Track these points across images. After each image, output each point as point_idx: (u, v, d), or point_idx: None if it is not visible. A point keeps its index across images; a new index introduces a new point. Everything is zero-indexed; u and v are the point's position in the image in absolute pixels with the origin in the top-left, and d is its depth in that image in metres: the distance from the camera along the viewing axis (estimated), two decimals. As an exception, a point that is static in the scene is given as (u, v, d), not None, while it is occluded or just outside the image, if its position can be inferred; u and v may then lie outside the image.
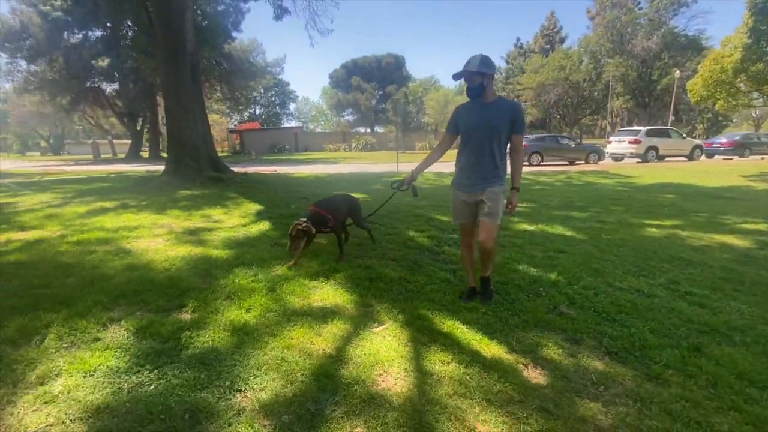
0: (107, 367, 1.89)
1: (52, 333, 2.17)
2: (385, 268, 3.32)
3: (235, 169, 11.02)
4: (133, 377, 1.82)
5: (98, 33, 29.12)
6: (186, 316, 2.43)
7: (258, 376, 1.83)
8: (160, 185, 8.04)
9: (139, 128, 33.68)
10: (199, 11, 18.77)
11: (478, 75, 2.38)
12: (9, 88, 41.39)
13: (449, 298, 2.72)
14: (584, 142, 27.48)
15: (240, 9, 22.96)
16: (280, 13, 12.55)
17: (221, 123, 48.29)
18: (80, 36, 29.28)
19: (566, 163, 17.25)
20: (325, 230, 3.36)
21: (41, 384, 1.77)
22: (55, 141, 57.20)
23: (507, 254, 3.74)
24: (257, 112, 56.32)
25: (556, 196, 7.68)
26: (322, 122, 79.03)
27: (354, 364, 1.95)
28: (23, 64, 31.44)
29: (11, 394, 1.71)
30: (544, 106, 42.03)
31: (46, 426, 1.52)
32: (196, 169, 8.43)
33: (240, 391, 1.73)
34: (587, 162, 17.35)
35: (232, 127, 47.87)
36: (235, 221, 5.07)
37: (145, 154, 32.78)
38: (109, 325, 2.29)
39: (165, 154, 30.31)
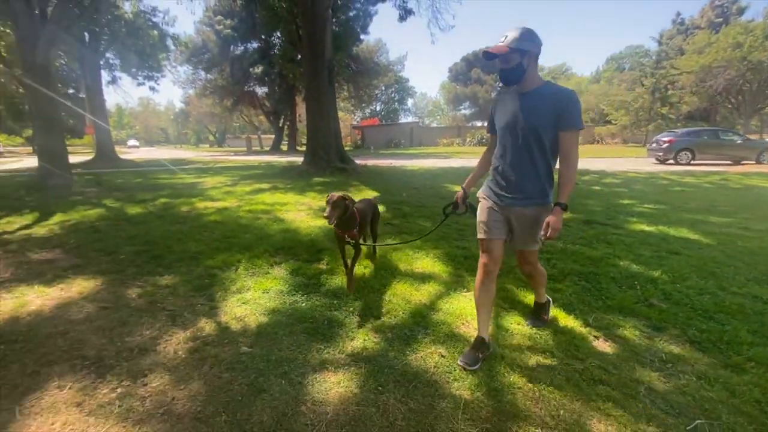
0: (276, 289, 2.81)
1: (241, 265, 3.24)
2: (474, 248, 3.72)
3: (357, 162, 12.40)
4: (292, 297, 2.68)
5: (255, 45, 34.87)
6: (323, 266, 3.28)
7: (371, 309, 2.50)
8: (300, 173, 9.76)
9: (280, 125, 39.36)
10: (334, 19, 21.08)
11: (516, 53, 1.78)
12: (192, 93, 52.69)
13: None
14: (766, 137, 21.93)
15: (368, 12, 24.91)
16: (405, 14, 13.43)
17: (345, 120, 53.01)
18: (242, 48, 35.49)
19: (729, 162, 14.35)
20: (349, 238, 2.76)
21: (239, 293, 2.76)
22: (219, 135, 70.18)
23: (609, 250, 3.74)
24: (377, 108, 59.93)
25: (696, 199, 6.76)
26: (438, 117, 79.66)
27: (443, 312, 2.47)
28: (202, 73, 39.78)
29: (224, 297, 2.72)
30: (708, 94, 34.73)
31: (245, 315, 2.44)
32: (327, 161, 9.91)
33: (373, 316, 2.41)
34: (759, 162, 14.11)
35: (355, 123, 52.06)
36: (356, 204, 6.04)
37: (284, 147, 38.21)
38: (274, 266, 3.28)
39: (300, 148, 34.48)
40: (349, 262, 2.85)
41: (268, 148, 41.08)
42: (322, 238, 4.05)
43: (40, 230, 4.47)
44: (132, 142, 56.73)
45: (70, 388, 1.74)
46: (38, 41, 7.27)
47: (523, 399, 1.69)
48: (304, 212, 5.34)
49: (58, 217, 5.08)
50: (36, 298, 2.66)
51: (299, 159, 12.44)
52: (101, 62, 18.62)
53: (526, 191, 1.89)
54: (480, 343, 1.98)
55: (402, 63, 40.58)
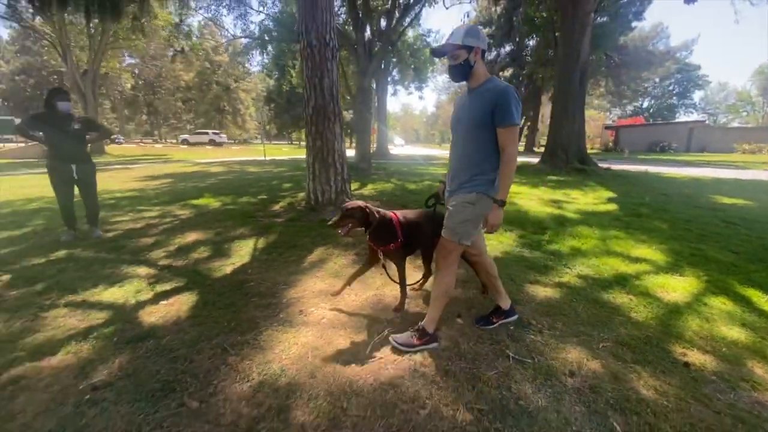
0: (508, 243, 4.01)
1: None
2: (711, 251, 3.71)
3: (601, 165, 11.83)
4: (519, 249, 3.82)
5: (507, 49, 36.17)
6: (545, 237, 4.23)
7: (578, 266, 3.33)
8: (535, 170, 10.50)
9: (521, 126, 39.57)
10: (597, 17, 19.64)
11: (463, 50, 1.82)
12: (444, 98, 59.66)
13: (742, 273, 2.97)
14: None
15: (646, -5, 21.65)
16: (695, -6, 11.47)
17: (597, 119, 47.30)
18: (494, 53, 37.56)
19: None
20: (384, 255, 2.47)
21: (483, 241, 4.11)
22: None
23: None
24: (644, 105, 50.21)
25: None
26: (744, 114, 58.85)
27: (647, 281, 3.03)
28: (457, 80, 44.65)
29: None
30: None
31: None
32: (564, 161, 10.19)
33: (568, 267, 3.31)
34: None
35: (610, 123, 45.74)
36: (588, 200, 6.43)
37: (520, 148, 38.31)
38: (506, 231, 4.47)
39: (537, 149, 33.71)
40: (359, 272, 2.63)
41: (505, 149, 42.07)
42: (547, 219, 4.94)
43: (365, 191, 7.32)
44: (398, 140, 60.26)
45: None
46: (367, 72, 11.05)
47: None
48: (534, 201, 6.28)
49: (371, 186, 8.01)
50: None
51: (535, 159, 12.99)
52: (388, 79, 24.61)
53: (459, 182, 1.98)
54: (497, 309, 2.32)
55: (689, 48, 32.58)
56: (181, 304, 2.57)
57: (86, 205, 4.33)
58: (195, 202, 6.44)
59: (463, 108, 1.96)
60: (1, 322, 2.32)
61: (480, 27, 1.99)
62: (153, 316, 2.41)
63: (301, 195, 6.86)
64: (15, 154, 21.51)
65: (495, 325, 2.29)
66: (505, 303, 2.34)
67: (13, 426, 1.50)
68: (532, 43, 32.47)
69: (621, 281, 3.02)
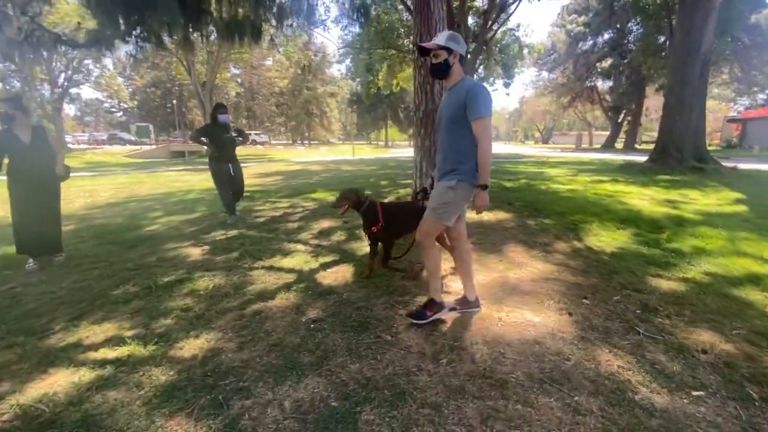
0: (622, 240, 4.08)
1: (595, 223, 4.67)
2: None
3: (725, 164, 10.56)
4: (635, 245, 3.88)
5: (606, 37, 33.17)
6: (663, 236, 4.19)
7: (703, 264, 3.33)
8: (642, 169, 9.82)
9: (619, 120, 36.02)
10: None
11: (444, 50, 2.10)
12: (528, 94, 56.68)
13: None
14: None
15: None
16: None
17: (716, 111, 41.01)
18: (590, 43, 34.71)
19: None
20: (371, 234, 3.06)
21: (596, 236, 4.22)
22: (546, 132, 71.48)
23: None
24: (781, 92, 42.06)
25: None
26: None
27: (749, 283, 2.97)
28: (545, 74, 42.18)
29: (586, 236, 4.27)
30: None
31: (602, 245, 3.90)
32: (678, 159, 9.36)
33: (692, 265, 3.33)
34: None
35: (734, 115, 39.28)
36: (709, 201, 6.00)
37: (619, 146, 34.91)
38: (619, 229, 4.50)
39: (639, 146, 30.47)
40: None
41: (598, 146, 38.81)
42: (662, 218, 4.83)
43: (461, 189, 7.69)
44: None
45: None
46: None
47: None
48: (646, 200, 6.06)
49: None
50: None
51: (637, 158, 12.05)
52: (473, 77, 24.39)
53: (442, 172, 2.25)
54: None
55: None
56: (344, 272, 3.26)
57: (236, 196, 5.38)
58: (313, 195, 7.43)
59: (443, 105, 2.23)
60: (222, 277, 3.21)
61: (459, 35, 2.22)
62: (326, 279, 3.12)
63: (404, 191, 7.47)
64: (150, 155, 25.90)
65: (430, 319, 2.34)
66: (471, 294, 2.49)
67: (274, 338, 2.22)
68: (635, 30, 29.49)
69: (754, 280, 3.00)
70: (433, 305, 2.38)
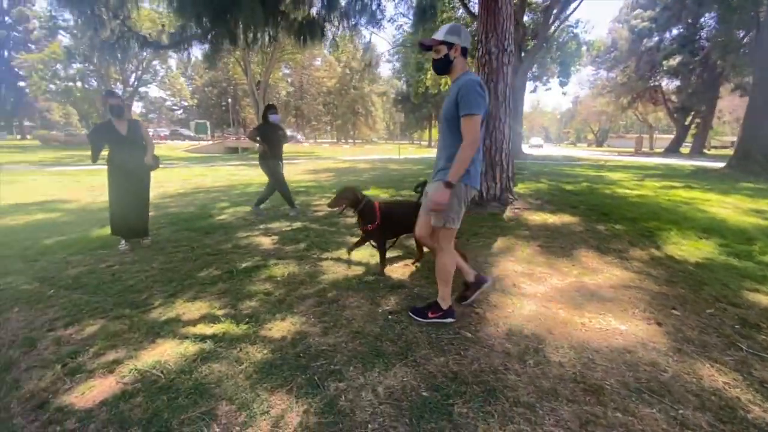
0: (707, 249, 3.77)
1: (672, 232, 4.35)
2: None
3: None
4: (723, 257, 3.57)
5: (674, 33, 30.70)
6: (755, 248, 3.81)
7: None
8: (719, 176, 9.00)
9: (686, 123, 33.28)
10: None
11: (443, 45, 2.03)
12: (584, 94, 53.79)
13: None
14: None
15: None
16: None
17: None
18: (656, 39, 32.30)
19: None
20: (364, 234, 3.15)
21: (674, 244, 3.94)
22: (601, 134, 67.59)
23: None
24: None
25: None
26: None
27: None
28: (604, 73, 39.82)
29: (661, 245, 3.99)
30: None
31: (682, 254, 3.63)
32: (764, 165, 8.47)
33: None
34: None
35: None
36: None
37: (684, 150, 32.27)
38: (702, 239, 4.16)
39: (708, 151, 28.00)
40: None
41: (660, 150, 36.10)
42: (754, 231, 4.40)
43: (519, 189, 7.47)
44: (535, 140, 52.70)
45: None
46: (518, 71, 10.98)
47: None
48: (730, 209, 5.56)
49: (521, 185, 8.09)
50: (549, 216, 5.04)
51: (709, 163, 11.05)
52: (527, 75, 23.57)
53: (437, 169, 2.16)
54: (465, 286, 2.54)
55: None
56: (411, 268, 3.28)
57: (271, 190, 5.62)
58: (367, 192, 7.54)
59: (445, 100, 2.14)
60: (295, 266, 3.35)
61: (462, 26, 2.12)
62: (394, 273, 3.17)
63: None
64: (207, 150, 27.53)
65: (429, 320, 2.30)
66: (446, 303, 2.33)
67: (355, 326, 2.29)
68: (710, 24, 27.01)
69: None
70: (437, 309, 2.33)
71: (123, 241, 3.99)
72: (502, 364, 1.92)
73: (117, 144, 3.83)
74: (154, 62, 40.80)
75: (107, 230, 4.21)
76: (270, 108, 5.33)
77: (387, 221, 2.99)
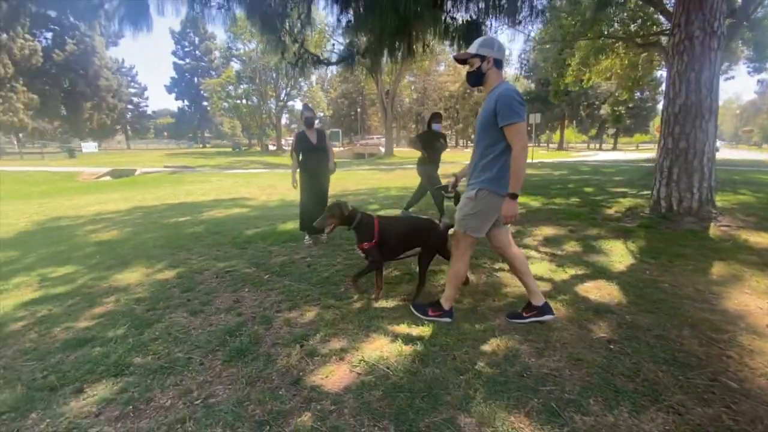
0: None
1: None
2: None
3: None
4: None
5: None
6: None
7: None
8: None
9: None
10: None
11: (476, 58, 2.10)
12: None
13: None
14: None
15: None
16: None
17: None
18: None
19: None
20: (360, 251, 2.81)
21: None
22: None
23: None
24: None
25: None
26: None
27: None
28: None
29: None
30: None
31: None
32: None
33: None
34: None
35: None
36: None
37: None
38: None
39: None
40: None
41: None
42: None
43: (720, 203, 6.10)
44: None
45: None
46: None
47: None
48: None
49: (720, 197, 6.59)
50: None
51: None
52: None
53: (470, 179, 2.25)
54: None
55: None
56: (608, 289, 2.88)
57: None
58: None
59: (480, 111, 2.17)
60: (473, 275, 3.27)
61: (496, 39, 2.15)
62: (590, 293, 2.82)
63: (625, 201, 6.43)
64: (339, 156, 30.15)
65: (526, 320, 2.34)
66: (537, 299, 2.35)
67: (570, 351, 2.07)
68: None
69: None
70: (438, 308, 2.41)
71: (307, 236, 4.52)
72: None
73: (309, 151, 4.36)
74: (300, 79, 46.70)
75: (289, 225, 4.83)
76: (435, 116, 5.45)
77: (386, 239, 2.71)
